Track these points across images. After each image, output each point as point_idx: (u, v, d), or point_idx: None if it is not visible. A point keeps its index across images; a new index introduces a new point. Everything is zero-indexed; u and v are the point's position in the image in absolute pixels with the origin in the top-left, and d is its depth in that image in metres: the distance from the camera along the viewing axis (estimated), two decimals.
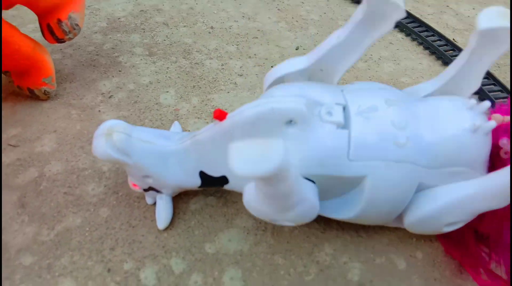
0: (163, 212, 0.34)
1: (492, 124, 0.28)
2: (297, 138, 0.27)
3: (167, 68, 0.51)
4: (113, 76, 0.49)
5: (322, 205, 0.31)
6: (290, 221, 0.29)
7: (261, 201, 0.28)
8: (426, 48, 0.58)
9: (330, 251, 0.35)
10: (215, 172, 0.31)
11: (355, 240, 0.36)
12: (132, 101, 0.46)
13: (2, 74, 0.46)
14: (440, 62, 0.56)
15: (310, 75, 0.32)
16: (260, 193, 0.27)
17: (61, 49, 0.52)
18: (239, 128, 0.28)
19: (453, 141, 0.28)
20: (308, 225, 0.36)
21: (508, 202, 0.27)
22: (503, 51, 0.29)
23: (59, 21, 0.40)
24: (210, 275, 0.32)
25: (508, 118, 0.30)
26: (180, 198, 0.37)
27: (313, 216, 0.29)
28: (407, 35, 0.60)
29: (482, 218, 0.31)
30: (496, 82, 0.52)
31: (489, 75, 0.53)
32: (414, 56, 0.57)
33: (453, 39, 0.60)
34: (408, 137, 0.28)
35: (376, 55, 0.56)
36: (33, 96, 0.45)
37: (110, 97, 0.46)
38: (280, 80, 0.32)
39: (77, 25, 0.41)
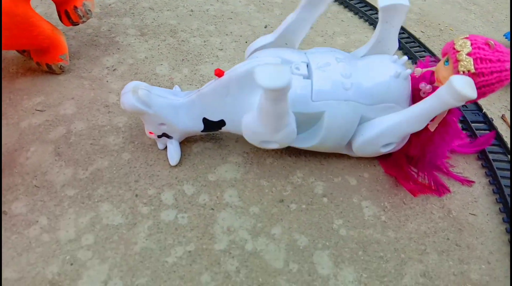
0: (174, 152, 0.45)
1: (409, 71, 0.40)
2: None
3: (158, 45, 0.61)
4: (113, 53, 0.59)
5: (297, 137, 0.43)
6: (277, 142, 0.40)
7: (259, 123, 0.38)
8: (370, 24, 0.70)
9: (301, 175, 0.46)
10: (215, 117, 0.42)
11: (318, 166, 0.48)
12: (133, 73, 0.56)
13: (19, 53, 0.54)
14: None
15: (277, 47, 0.44)
16: (262, 114, 0.37)
17: (64, 32, 0.61)
18: (234, 81, 0.39)
19: (383, 84, 0.40)
20: (283, 157, 0.48)
21: (424, 125, 0.40)
22: (403, 18, 0.41)
23: (75, 7, 0.49)
24: (214, 194, 0.43)
25: (425, 70, 0.43)
26: (184, 144, 0.48)
27: (292, 139, 0.41)
28: (355, 13, 0.72)
29: (410, 144, 0.44)
30: (421, 44, 0.65)
31: (415, 40, 0.66)
32: (361, 30, 0.70)
33: None
34: (352, 83, 0.40)
35: (331, 31, 0.68)
36: (50, 71, 0.53)
37: (114, 70, 0.56)
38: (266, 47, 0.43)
39: (89, 10, 0.50)
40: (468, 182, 0.47)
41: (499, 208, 0.46)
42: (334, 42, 0.66)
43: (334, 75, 0.39)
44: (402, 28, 0.69)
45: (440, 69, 0.39)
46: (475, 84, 0.35)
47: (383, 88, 0.40)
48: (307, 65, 0.40)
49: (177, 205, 0.42)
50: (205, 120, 0.43)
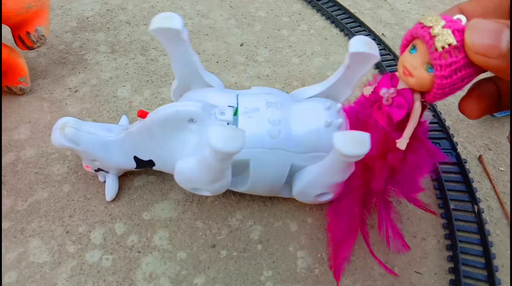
0: (110, 187, 0.44)
1: (341, 121, 0.37)
2: (198, 132, 0.37)
3: (126, 64, 0.60)
4: (79, 72, 0.58)
5: (232, 181, 0.41)
6: (209, 191, 0.39)
7: (196, 173, 0.37)
8: None
9: (240, 217, 0.45)
10: (144, 157, 0.41)
11: (261, 208, 0.46)
12: (94, 95, 0.55)
13: None
14: None
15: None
16: (204, 166, 0.35)
17: (36, 49, 0.61)
18: (156, 125, 0.37)
19: (313, 133, 0.37)
20: (226, 196, 0.46)
21: (346, 175, 0.36)
22: (369, 68, 0.38)
23: (28, 33, 0.49)
24: (144, 236, 0.43)
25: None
26: (127, 177, 0.47)
27: (225, 188, 0.39)
28: (341, 30, 0.68)
29: (372, 175, 0.37)
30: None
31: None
32: (344, 50, 0.66)
33: (382, 34, 0.69)
34: (280, 130, 0.37)
35: (310, 51, 0.65)
36: (11, 92, 0.54)
37: (75, 91, 0.56)
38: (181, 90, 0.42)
39: (43, 35, 0.49)
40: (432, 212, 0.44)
41: (449, 268, 0.42)
42: (310, 64, 0.63)
43: (261, 121, 0.37)
44: (388, 49, 0.65)
45: (406, 59, 0.29)
46: (455, 65, 0.27)
47: (313, 137, 0.37)
48: (235, 109, 0.38)
49: (105, 245, 0.42)
50: (136, 158, 0.42)
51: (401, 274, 0.42)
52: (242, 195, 0.46)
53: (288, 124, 0.38)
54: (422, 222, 0.46)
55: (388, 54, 0.64)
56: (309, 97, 0.42)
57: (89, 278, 0.39)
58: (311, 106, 0.39)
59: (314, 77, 0.61)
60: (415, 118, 0.31)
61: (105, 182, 0.46)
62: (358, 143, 0.32)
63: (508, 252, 0.44)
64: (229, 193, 0.46)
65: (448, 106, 0.59)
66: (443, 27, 0.28)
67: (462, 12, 0.29)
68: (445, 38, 0.27)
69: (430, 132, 0.55)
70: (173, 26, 0.36)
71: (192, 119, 0.37)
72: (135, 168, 0.43)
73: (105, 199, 0.45)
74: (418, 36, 0.28)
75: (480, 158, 0.52)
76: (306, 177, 0.39)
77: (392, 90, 0.31)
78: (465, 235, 0.44)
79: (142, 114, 0.38)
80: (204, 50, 0.63)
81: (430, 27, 0.28)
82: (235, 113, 0.38)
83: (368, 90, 0.35)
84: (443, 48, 0.27)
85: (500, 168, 0.52)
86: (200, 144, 0.37)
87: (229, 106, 0.38)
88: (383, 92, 0.32)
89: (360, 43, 0.37)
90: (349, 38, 0.67)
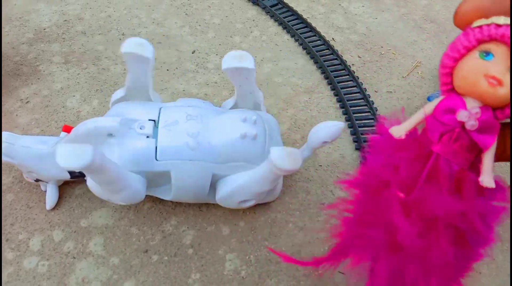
0: (49, 196, 0.46)
1: (254, 132, 0.39)
2: (117, 145, 0.39)
3: (78, 74, 0.62)
4: (32, 83, 0.60)
5: (158, 189, 0.43)
6: (122, 201, 0.41)
7: (95, 186, 0.39)
8: (304, 48, 0.68)
9: (174, 222, 0.47)
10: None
11: (196, 213, 0.48)
12: (44, 105, 0.57)
13: None
14: (312, 61, 0.66)
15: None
16: (95, 180, 0.38)
17: None
18: (79, 139, 0.39)
19: (229, 145, 0.39)
20: (162, 203, 0.48)
21: (271, 186, 0.39)
22: (252, 80, 0.40)
23: None
24: (80, 242, 0.45)
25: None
26: (69, 185, 0.49)
27: (139, 198, 0.41)
28: (292, 36, 0.70)
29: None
30: (350, 73, 0.63)
31: (345, 68, 0.63)
32: (293, 56, 0.67)
33: (332, 39, 0.71)
34: (199, 142, 0.39)
35: (260, 57, 0.67)
36: None
37: (27, 102, 0.58)
38: (123, 99, 0.43)
39: None
40: None
41: None
42: (260, 70, 0.65)
43: (180, 134, 0.39)
44: (336, 54, 0.66)
45: (489, 67, 0.22)
46: None
47: (229, 148, 0.39)
48: (156, 123, 0.40)
49: (42, 252, 0.44)
50: (68, 170, 0.43)
51: (325, 274, 0.44)
52: (178, 202, 0.48)
53: (207, 136, 0.40)
54: None
55: (336, 59, 0.66)
56: (231, 108, 0.44)
57: (24, 283, 0.42)
58: (228, 118, 0.41)
59: (262, 83, 0.63)
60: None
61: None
62: (293, 159, 0.34)
63: None
64: (166, 200, 0.48)
65: (389, 109, 0.61)
66: None
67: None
68: None
69: (363, 121, 0.57)
70: (145, 55, 0.38)
71: (111, 134, 0.39)
72: (70, 179, 0.45)
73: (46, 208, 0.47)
74: (496, 37, 0.22)
75: None
76: (230, 185, 0.41)
77: (476, 109, 0.22)
78: None
79: (67, 129, 0.40)
80: (155, 58, 0.65)
81: (502, 25, 0.22)
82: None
83: (400, 130, 0.24)
84: None
85: None
86: (122, 157, 0.39)
87: (149, 119, 0.40)
88: (465, 115, 0.22)
89: (231, 59, 0.39)
90: (299, 44, 0.69)
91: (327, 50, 0.67)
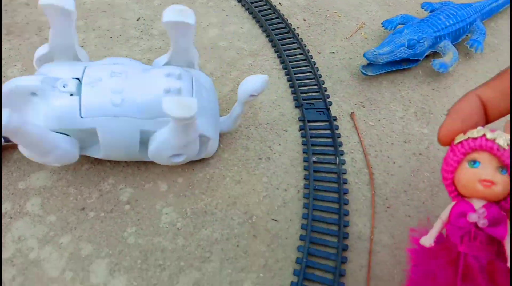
0: None
1: (178, 86, 0.40)
2: (42, 105, 0.39)
3: (20, 45, 0.61)
4: None
5: (90, 148, 0.44)
6: (55, 162, 0.42)
7: (28, 149, 0.40)
8: (250, 13, 0.69)
9: (112, 181, 0.48)
10: None
11: (135, 172, 0.49)
12: None
13: None
14: (258, 25, 0.67)
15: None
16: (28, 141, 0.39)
17: None
18: (4, 99, 0.40)
19: (153, 100, 0.40)
20: (101, 163, 0.49)
21: (190, 138, 0.40)
22: (192, 32, 0.41)
23: None
24: (18, 203, 0.45)
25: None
26: (8, 151, 0.49)
27: (72, 158, 0.42)
28: (239, 1, 0.71)
29: None
30: (294, 36, 0.64)
31: (290, 31, 0.64)
32: (239, 21, 0.68)
33: (279, 3, 0.71)
34: (123, 99, 0.40)
35: (206, 22, 0.67)
36: None
37: None
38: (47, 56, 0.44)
39: None
40: None
41: (303, 214, 0.46)
42: (205, 35, 0.65)
43: (103, 91, 0.40)
44: (281, 18, 0.67)
45: (480, 173, 0.27)
46: None
47: (154, 103, 0.40)
48: (80, 80, 0.40)
49: None
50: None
51: (258, 222, 0.45)
52: (116, 162, 0.49)
53: (132, 92, 0.40)
54: (287, 175, 0.50)
55: (281, 23, 0.67)
56: (164, 65, 0.45)
57: None
58: (153, 74, 0.42)
59: (206, 48, 0.63)
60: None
61: None
62: (184, 107, 0.35)
63: (364, 198, 0.49)
64: (104, 160, 0.49)
65: (331, 69, 0.62)
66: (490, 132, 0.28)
67: (480, 98, 0.29)
68: (503, 136, 0.27)
69: (308, 94, 0.58)
70: (65, 7, 0.38)
71: (35, 93, 0.39)
72: (5, 142, 0.45)
73: None
74: (476, 148, 0.27)
75: (351, 115, 0.56)
76: (157, 140, 0.42)
77: (482, 210, 0.27)
78: (323, 184, 0.48)
79: None
80: (99, 27, 0.65)
81: (493, 139, 0.27)
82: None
83: (429, 239, 0.29)
84: (508, 145, 0.27)
85: (370, 123, 0.56)
86: (47, 116, 0.40)
87: (73, 78, 0.41)
88: (474, 217, 0.27)
89: (172, 12, 0.39)
90: (246, 9, 0.69)
91: (273, 14, 0.68)
